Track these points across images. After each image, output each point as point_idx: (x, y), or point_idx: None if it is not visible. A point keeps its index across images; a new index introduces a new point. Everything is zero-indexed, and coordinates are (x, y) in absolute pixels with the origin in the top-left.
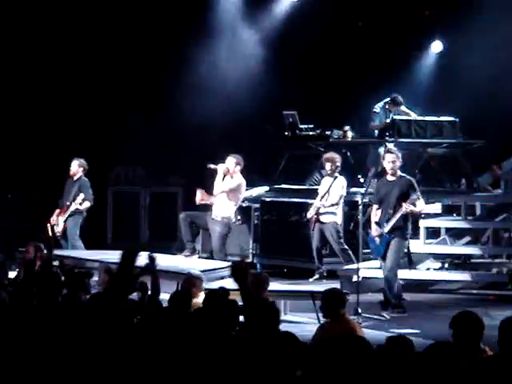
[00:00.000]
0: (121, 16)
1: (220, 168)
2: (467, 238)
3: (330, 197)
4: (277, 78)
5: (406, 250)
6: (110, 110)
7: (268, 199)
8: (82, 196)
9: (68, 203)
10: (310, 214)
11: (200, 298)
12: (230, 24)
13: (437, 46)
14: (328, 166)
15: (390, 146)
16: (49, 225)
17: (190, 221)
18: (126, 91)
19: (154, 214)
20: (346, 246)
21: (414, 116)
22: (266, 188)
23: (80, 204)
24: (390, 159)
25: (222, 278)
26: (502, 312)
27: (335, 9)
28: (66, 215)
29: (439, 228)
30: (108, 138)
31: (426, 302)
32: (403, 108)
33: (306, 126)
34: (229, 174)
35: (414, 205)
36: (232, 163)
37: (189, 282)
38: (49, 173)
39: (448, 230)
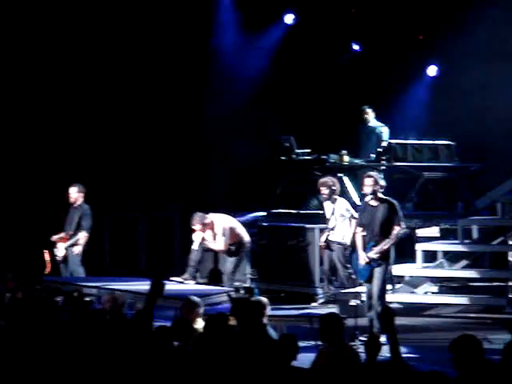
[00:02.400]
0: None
1: (196, 237)
2: (464, 262)
3: (337, 221)
4: (273, 102)
5: (389, 275)
6: (107, 135)
7: (265, 224)
8: (87, 225)
9: (70, 232)
10: (321, 240)
11: (198, 324)
12: (227, 50)
13: (432, 70)
14: (323, 190)
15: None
16: (46, 251)
17: (203, 257)
18: (123, 116)
19: (151, 239)
20: (351, 271)
21: (385, 132)
22: (263, 213)
23: (75, 237)
24: (370, 183)
25: (220, 303)
26: (501, 336)
27: (331, 33)
28: (68, 243)
29: (436, 252)
30: (106, 165)
31: (423, 326)
32: (373, 121)
33: (302, 151)
34: (205, 230)
35: (398, 233)
36: (198, 224)
37: (187, 308)
38: (45, 197)
39: (445, 253)
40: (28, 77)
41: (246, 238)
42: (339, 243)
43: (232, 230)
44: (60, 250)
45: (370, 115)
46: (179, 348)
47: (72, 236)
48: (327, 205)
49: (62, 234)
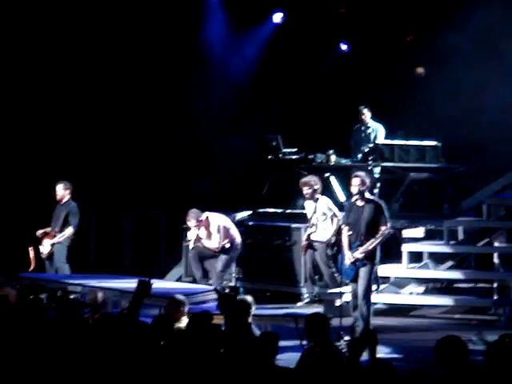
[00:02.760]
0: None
1: (191, 235)
2: (450, 263)
3: (318, 220)
4: (259, 101)
5: (375, 276)
6: (93, 133)
7: (251, 223)
8: (74, 222)
9: (57, 229)
10: (303, 239)
11: (183, 323)
12: (214, 49)
13: (419, 71)
14: (305, 190)
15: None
16: (30, 248)
17: (200, 256)
18: (110, 114)
19: (137, 237)
20: (334, 270)
21: (382, 131)
22: (250, 212)
23: (61, 234)
24: (356, 183)
25: (205, 302)
26: (485, 337)
27: (319, 33)
28: (54, 240)
29: (422, 252)
30: (92, 162)
31: (408, 327)
32: (369, 121)
33: (289, 150)
34: (199, 227)
35: (383, 233)
36: (193, 220)
37: (172, 306)
38: (30, 195)
39: (430, 254)
40: (14, 76)
41: (238, 239)
42: (321, 242)
43: (226, 229)
44: (45, 247)
45: (367, 115)
46: (161, 346)
47: (58, 233)
48: (309, 204)
49: (48, 229)
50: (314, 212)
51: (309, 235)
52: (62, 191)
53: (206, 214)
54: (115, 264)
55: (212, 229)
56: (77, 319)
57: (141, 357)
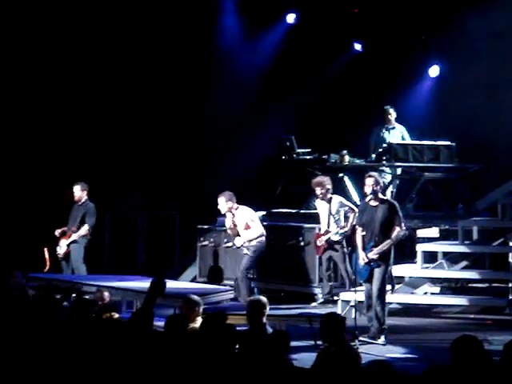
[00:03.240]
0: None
1: (227, 222)
2: (464, 263)
3: (336, 220)
4: (274, 102)
5: (389, 276)
6: (107, 134)
7: (265, 223)
8: (91, 222)
9: (73, 228)
10: (321, 241)
11: (198, 323)
12: (228, 50)
13: (434, 71)
14: (318, 190)
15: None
16: (45, 248)
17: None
18: (124, 115)
19: (151, 238)
20: (351, 270)
21: (406, 132)
22: (264, 212)
23: (76, 232)
24: (370, 183)
25: (220, 302)
26: (500, 337)
27: (333, 33)
28: (70, 240)
29: (436, 252)
30: (107, 163)
31: (423, 327)
32: (394, 122)
33: (303, 150)
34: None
35: (398, 235)
36: (223, 197)
37: (187, 307)
38: (45, 195)
39: (445, 254)
40: (29, 76)
41: (264, 236)
42: (339, 242)
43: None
44: (62, 247)
45: (393, 115)
46: (175, 346)
47: (74, 233)
48: (322, 204)
49: (65, 229)
50: (330, 213)
51: (329, 237)
52: (79, 192)
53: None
54: (129, 265)
55: (246, 218)
56: (90, 319)
57: (154, 357)
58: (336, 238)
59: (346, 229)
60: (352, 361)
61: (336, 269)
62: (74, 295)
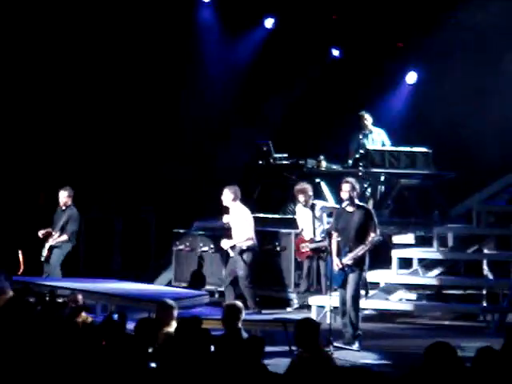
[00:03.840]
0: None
1: (225, 218)
2: (439, 269)
3: (320, 226)
4: (250, 107)
5: (363, 282)
6: (83, 138)
7: None
8: (72, 228)
9: (54, 233)
10: (307, 247)
11: (172, 327)
12: (205, 53)
13: (411, 77)
14: (301, 197)
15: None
16: (20, 251)
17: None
18: (100, 118)
19: (127, 241)
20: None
21: (385, 135)
22: None
23: (55, 238)
24: (347, 189)
25: (195, 306)
26: (473, 344)
27: (311, 38)
28: (51, 243)
29: (411, 259)
30: (82, 167)
31: (398, 333)
32: (371, 126)
33: (280, 155)
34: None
35: (373, 240)
36: (226, 191)
37: (161, 310)
38: (20, 198)
39: (420, 260)
40: (9, 80)
41: (252, 241)
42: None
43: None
44: (45, 249)
45: (369, 120)
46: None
47: (56, 237)
48: (305, 211)
49: (49, 230)
50: (314, 219)
51: (315, 246)
52: (65, 198)
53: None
54: (105, 268)
55: (244, 219)
56: (62, 321)
57: (128, 360)
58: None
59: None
60: (326, 366)
61: (313, 275)
62: (47, 298)
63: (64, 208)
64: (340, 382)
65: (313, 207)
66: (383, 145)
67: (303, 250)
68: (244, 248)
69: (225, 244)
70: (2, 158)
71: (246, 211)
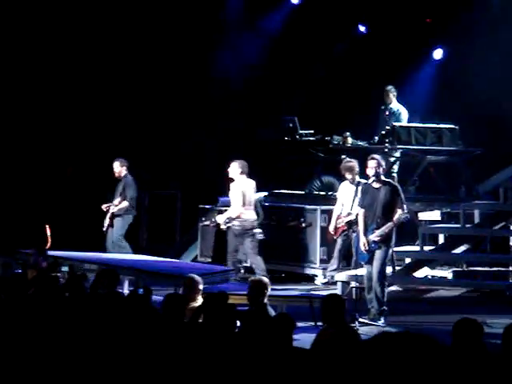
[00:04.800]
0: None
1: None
2: (466, 246)
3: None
4: (276, 83)
5: (390, 258)
6: (109, 114)
7: (267, 204)
8: (130, 194)
9: (115, 202)
10: (338, 222)
11: (199, 302)
12: (233, 28)
13: (438, 53)
14: (349, 175)
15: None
16: (47, 226)
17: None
18: (126, 95)
19: (153, 217)
20: None
21: (404, 114)
22: (266, 193)
23: (117, 205)
24: (373, 165)
25: (222, 282)
26: (499, 320)
27: (338, 14)
28: (112, 211)
29: (438, 235)
30: (108, 144)
31: (423, 309)
32: (394, 102)
33: (305, 132)
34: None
35: (400, 217)
36: (234, 168)
37: (188, 285)
38: (45, 174)
39: (446, 237)
40: (23, 68)
41: (253, 217)
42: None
43: (245, 197)
44: (106, 220)
45: (391, 95)
46: (176, 324)
47: (117, 204)
48: (350, 188)
49: (111, 204)
50: (355, 196)
51: (349, 219)
52: (118, 168)
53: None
54: (132, 243)
55: (240, 193)
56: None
57: (151, 335)
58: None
59: None
60: (351, 341)
61: (344, 252)
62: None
63: (120, 178)
64: (366, 356)
65: (358, 184)
66: (396, 121)
67: (339, 226)
68: (238, 224)
69: (219, 218)
70: (30, 135)
71: (246, 186)
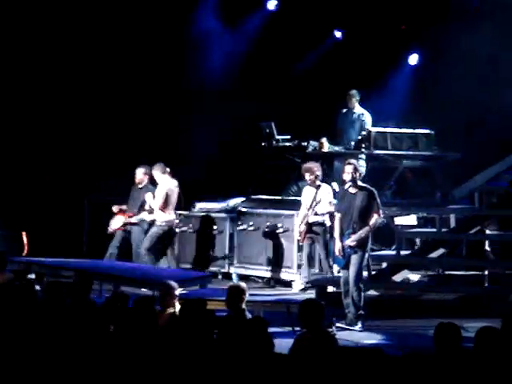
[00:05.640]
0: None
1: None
2: (441, 250)
3: (320, 206)
4: (252, 89)
5: (366, 263)
6: (84, 122)
7: (244, 209)
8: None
9: (135, 210)
10: (301, 227)
11: (175, 308)
12: (207, 35)
13: (413, 59)
14: (307, 176)
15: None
16: (24, 233)
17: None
18: (101, 102)
19: None
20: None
21: (368, 118)
22: (242, 198)
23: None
24: (349, 170)
25: (200, 287)
26: (475, 324)
27: (313, 20)
28: (129, 221)
29: (414, 240)
30: (85, 150)
31: (400, 313)
32: (356, 106)
33: (282, 137)
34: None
35: (376, 222)
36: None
37: (163, 291)
38: (23, 181)
39: (422, 241)
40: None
41: (172, 216)
42: (320, 224)
43: (169, 197)
44: (116, 222)
45: (354, 99)
46: (156, 331)
47: (136, 215)
48: (308, 190)
49: (123, 207)
50: (314, 199)
51: (308, 222)
52: (141, 175)
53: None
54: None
55: (160, 190)
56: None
57: (132, 341)
58: (312, 218)
59: (323, 207)
60: (329, 346)
61: (313, 257)
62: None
63: (141, 186)
64: (343, 362)
65: (318, 188)
66: (361, 127)
67: (301, 230)
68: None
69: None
70: (6, 141)
71: (170, 186)
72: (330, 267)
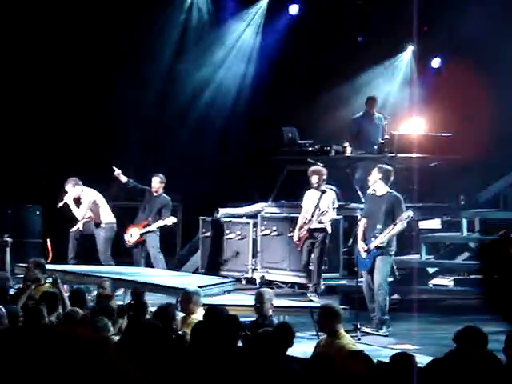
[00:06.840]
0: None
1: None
2: (466, 254)
3: (325, 216)
4: (274, 94)
5: (391, 266)
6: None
7: (267, 214)
8: (168, 215)
9: (150, 219)
10: (302, 232)
11: (199, 314)
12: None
13: (436, 62)
14: (315, 179)
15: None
16: (48, 240)
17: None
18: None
19: None
20: (322, 264)
21: (388, 122)
22: (265, 203)
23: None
24: (375, 174)
25: (222, 293)
26: (500, 328)
27: (334, 24)
28: (146, 230)
29: (439, 244)
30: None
31: (425, 318)
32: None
33: (305, 142)
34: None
35: (402, 217)
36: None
37: (186, 298)
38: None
39: (447, 245)
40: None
41: (108, 219)
42: (322, 230)
43: (96, 206)
44: (134, 236)
45: (376, 104)
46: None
47: (151, 222)
48: (312, 194)
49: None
50: (317, 205)
51: (308, 226)
52: (157, 184)
53: (84, 188)
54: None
55: (84, 200)
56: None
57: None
58: (315, 225)
59: (328, 216)
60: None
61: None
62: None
63: (156, 195)
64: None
65: (323, 192)
66: (384, 131)
67: (301, 235)
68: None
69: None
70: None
71: (92, 194)
72: (319, 275)
